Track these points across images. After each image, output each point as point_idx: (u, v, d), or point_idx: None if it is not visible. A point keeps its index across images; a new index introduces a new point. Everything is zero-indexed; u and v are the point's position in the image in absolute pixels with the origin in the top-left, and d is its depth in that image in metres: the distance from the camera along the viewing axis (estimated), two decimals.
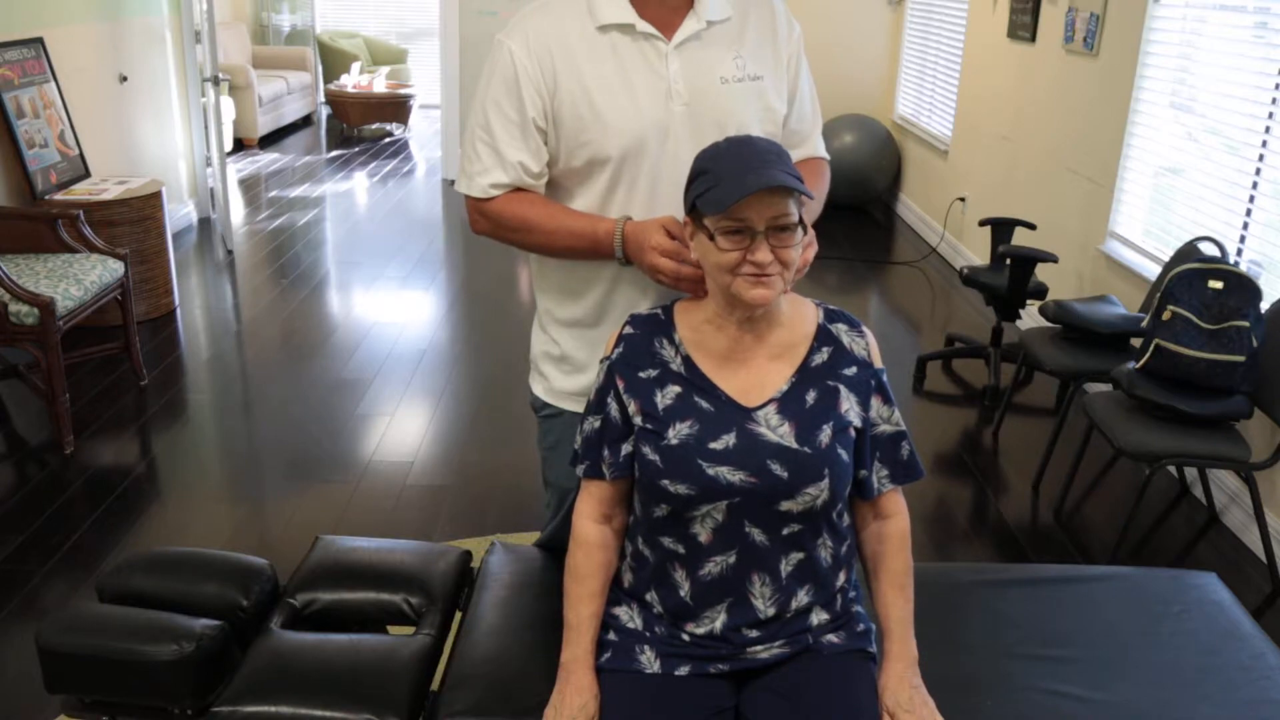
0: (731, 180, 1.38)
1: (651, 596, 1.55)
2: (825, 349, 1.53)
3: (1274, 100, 3.23)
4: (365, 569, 1.88)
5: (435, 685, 1.71)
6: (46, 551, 2.88)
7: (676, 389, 1.49)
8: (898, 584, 1.56)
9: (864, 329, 1.57)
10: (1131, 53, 4.05)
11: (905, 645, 1.53)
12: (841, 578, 1.56)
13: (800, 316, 1.54)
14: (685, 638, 1.52)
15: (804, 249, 1.54)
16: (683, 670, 1.51)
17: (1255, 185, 3.32)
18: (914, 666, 1.53)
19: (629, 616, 1.56)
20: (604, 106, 1.61)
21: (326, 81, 10.06)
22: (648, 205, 1.66)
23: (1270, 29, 3.30)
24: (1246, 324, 2.79)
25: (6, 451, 3.44)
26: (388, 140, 9.24)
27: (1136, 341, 3.46)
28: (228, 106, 8.09)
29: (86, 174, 4.65)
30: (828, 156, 1.87)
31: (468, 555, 1.99)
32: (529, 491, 3.28)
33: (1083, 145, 4.46)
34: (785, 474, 1.44)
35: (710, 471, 1.44)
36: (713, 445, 1.45)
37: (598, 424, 1.54)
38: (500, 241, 1.74)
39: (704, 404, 1.48)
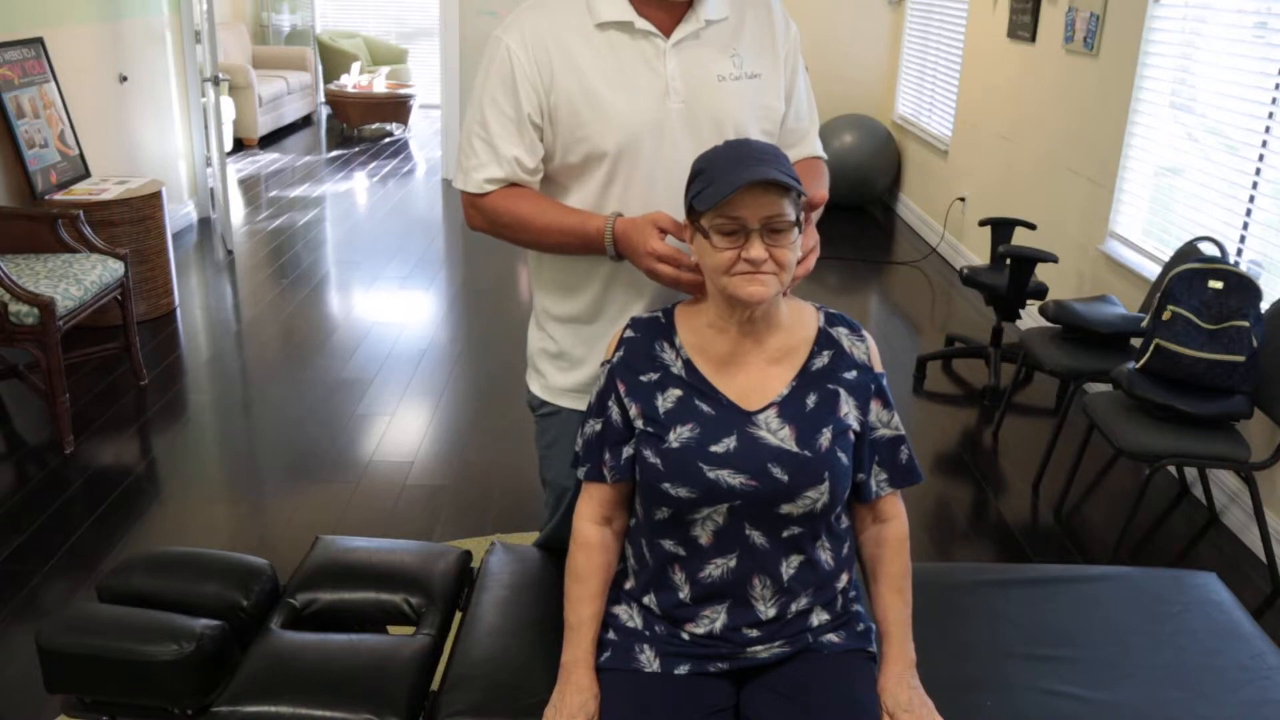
0: (725, 177, 1.39)
1: (651, 599, 1.55)
2: (826, 353, 1.53)
3: (1274, 100, 3.23)
4: (365, 569, 1.88)
5: (435, 685, 1.71)
6: (46, 551, 2.88)
7: (677, 392, 1.49)
8: (895, 587, 1.56)
9: (864, 333, 1.57)
10: (1131, 53, 4.05)
11: (904, 647, 1.53)
12: (843, 579, 1.56)
13: (800, 320, 1.54)
14: (685, 637, 1.52)
15: (806, 255, 1.54)
16: (682, 669, 1.51)
17: (1255, 185, 3.32)
18: (912, 668, 1.53)
19: (629, 616, 1.56)
20: (601, 103, 1.61)
21: (326, 81, 10.06)
22: (644, 202, 1.66)
23: (1270, 29, 3.30)
24: (1246, 324, 2.79)
25: (6, 451, 3.44)
26: (388, 140, 9.24)
27: (1136, 341, 3.46)
28: (228, 106, 8.09)
29: (86, 174, 4.65)
30: (825, 156, 1.88)
31: (468, 555, 1.99)
32: (529, 491, 3.28)
33: (1083, 145, 4.46)
34: (785, 477, 1.44)
35: (711, 474, 1.44)
36: (713, 448, 1.45)
37: (598, 427, 1.54)
38: (494, 236, 1.75)
39: (705, 407, 1.48)
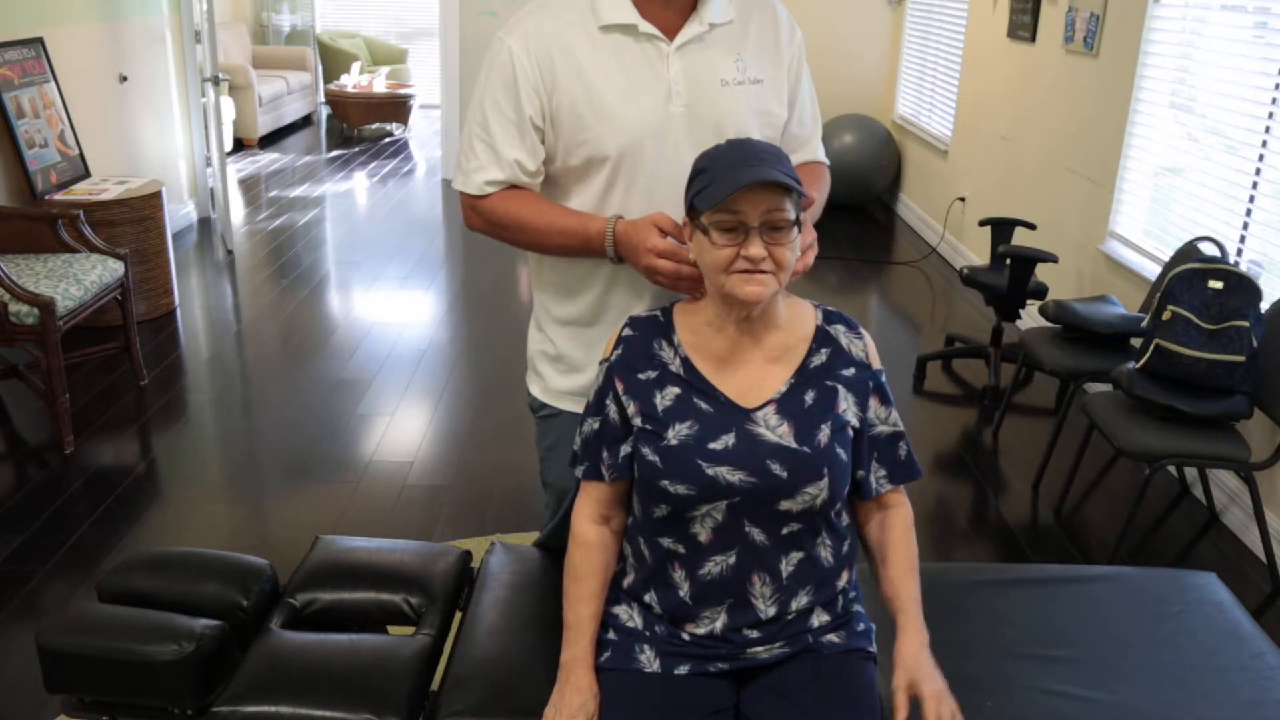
0: (726, 176, 1.39)
1: (651, 597, 1.55)
2: (824, 350, 1.53)
3: (1274, 100, 3.23)
4: (365, 569, 1.88)
5: (435, 685, 1.71)
6: (46, 551, 2.88)
7: (676, 390, 1.50)
8: (907, 568, 1.54)
9: (862, 330, 1.57)
10: (1131, 53, 4.05)
11: (919, 621, 1.50)
12: (843, 578, 1.56)
13: (799, 319, 1.54)
14: (685, 637, 1.52)
15: (805, 251, 1.54)
16: (682, 669, 1.51)
17: (1255, 185, 3.32)
18: (926, 646, 1.51)
19: (628, 616, 1.56)
20: (603, 106, 1.61)
21: (326, 81, 10.06)
22: (646, 205, 1.66)
23: (1270, 29, 3.30)
24: (1246, 324, 2.79)
25: (6, 451, 3.44)
26: (388, 140, 9.24)
27: (1136, 341, 3.46)
28: (228, 106, 8.09)
29: (86, 174, 4.65)
30: (827, 161, 1.88)
31: (468, 555, 1.99)
32: (529, 491, 3.28)
33: (1083, 145, 4.46)
34: (785, 473, 1.44)
35: (710, 471, 1.44)
36: (712, 445, 1.45)
37: (597, 425, 1.54)
38: (494, 238, 1.75)
39: (703, 405, 1.48)
